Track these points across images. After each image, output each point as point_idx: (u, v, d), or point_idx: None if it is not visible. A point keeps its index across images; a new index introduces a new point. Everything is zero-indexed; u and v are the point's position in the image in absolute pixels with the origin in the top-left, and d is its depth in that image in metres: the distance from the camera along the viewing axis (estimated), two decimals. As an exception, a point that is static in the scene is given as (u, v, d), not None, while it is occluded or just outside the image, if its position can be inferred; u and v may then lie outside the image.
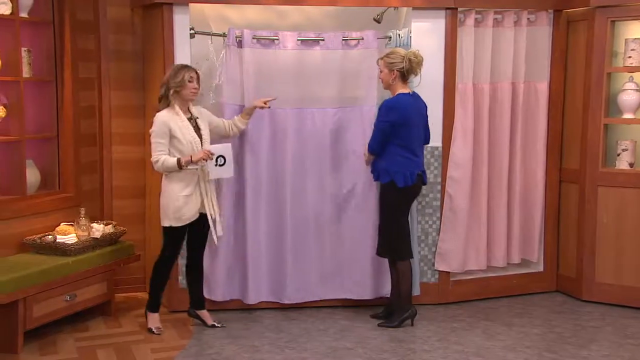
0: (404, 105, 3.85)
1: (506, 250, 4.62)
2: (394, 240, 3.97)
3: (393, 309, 4.07)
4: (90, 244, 4.01)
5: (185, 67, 3.78)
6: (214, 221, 3.85)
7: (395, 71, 3.85)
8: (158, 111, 3.77)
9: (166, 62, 4.06)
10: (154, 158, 3.72)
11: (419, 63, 3.88)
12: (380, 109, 3.91)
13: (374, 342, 3.81)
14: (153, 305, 3.92)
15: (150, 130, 3.75)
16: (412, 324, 4.04)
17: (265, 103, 4.00)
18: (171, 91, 3.73)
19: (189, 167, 3.70)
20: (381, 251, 4.06)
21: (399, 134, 3.84)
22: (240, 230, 4.19)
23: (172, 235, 3.82)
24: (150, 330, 3.89)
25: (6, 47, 3.99)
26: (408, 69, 3.85)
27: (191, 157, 3.69)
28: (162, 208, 3.80)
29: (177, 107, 3.75)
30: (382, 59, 3.93)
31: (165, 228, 3.81)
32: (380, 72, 3.93)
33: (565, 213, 4.70)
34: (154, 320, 3.92)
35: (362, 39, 4.24)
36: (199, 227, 3.86)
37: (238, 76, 4.13)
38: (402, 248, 3.99)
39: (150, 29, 4.36)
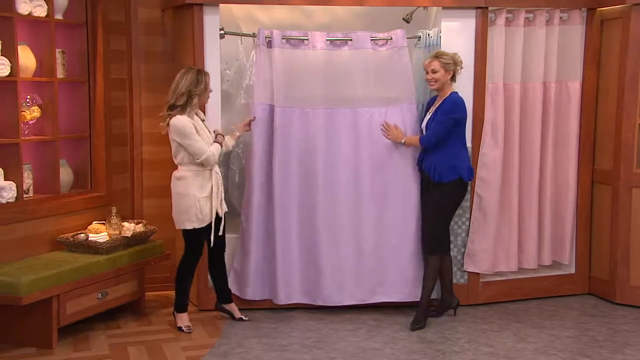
0: (464, 103, 4.00)
1: (537, 251, 4.55)
2: (443, 235, 4.07)
3: (445, 303, 4.20)
4: (121, 243, 4.06)
5: (201, 72, 3.81)
6: (220, 219, 3.90)
7: (451, 72, 3.98)
8: (169, 117, 3.74)
9: (196, 63, 4.10)
10: (204, 155, 3.71)
11: (461, 65, 4.03)
12: (444, 106, 3.97)
13: (402, 342, 3.80)
14: (180, 306, 3.96)
15: (176, 136, 3.71)
16: (423, 327, 4.01)
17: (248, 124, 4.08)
18: (195, 99, 3.74)
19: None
20: (434, 250, 4.05)
21: (460, 131, 3.99)
22: (270, 230, 4.20)
23: (195, 237, 3.85)
24: (180, 329, 3.93)
25: (42, 49, 4.07)
26: (456, 70, 4.01)
27: (223, 135, 3.93)
28: (182, 212, 3.80)
29: (191, 112, 3.78)
30: (435, 60, 3.96)
31: (187, 231, 3.84)
32: (435, 72, 3.96)
33: (598, 214, 4.62)
34: (182, 319, 3.95)
35: (391, 38, 4.22)
36: (217, 227, 3.89)
37: (268, 76, 4.14)
38: (448, 242, 4.12)
39: (180, 29, 4.40)
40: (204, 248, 3.94)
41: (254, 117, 4.09)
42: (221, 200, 3.88)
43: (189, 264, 3.93)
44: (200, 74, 3.78)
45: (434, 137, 3.96)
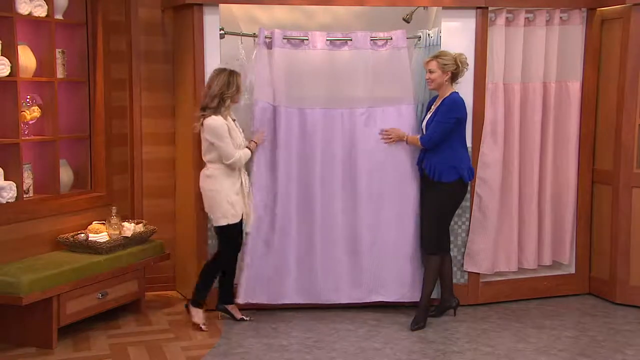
0: (464, 103, 4.00)
1: (537, 251, 4.55)
2: (443, 235, 4.09)
3: (445, 303, 4.21)
4: (121, 243, 4.06)
5: (233, 73, 3.86)
6: (247, 217, 3.99)
7: (449, 72, 3.95)
8: (204, 117, 3.81)
9: (196, 63, 4.10)
10: (232, 159, 3.80)
11: (466, 65, 4.02)
12: (443, 107, 3.97)
13: (402, 342, 3.80)
14: (198, 302, 3.97)
15: (209, 135, 3.78)
16: (423, 327, 4.02)
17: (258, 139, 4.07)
18: (227, 101, 3.81)
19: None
20: (434, 249, 4.06)
21: (460, 131, 4.00)
22: (269, 230, 4.19)
23: (230, 232, 3.90)
24: (195, 325, 3.93)
25: (42, 48, 4.07)
26: (458, 71, 3.98)
27: (256, 142, 4.01)
28: (215, 209, 3.86)
29: (225, 112, 3.84)
30: (433, 60, 3.97)
31: (221, 228, 3.89)
32: (431, 72, 3.97)
33: (598, 215, 4.62)
34: (200, 316, 3.96)
35: (391, 38, 4.22)
36: (240, 226, 3.97)
37: (268, 76, 4.14)
38: (448, 242, 4.14)
39: (180, 29, 4.40)
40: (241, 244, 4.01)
41: (264, 131, 4.11)
42: (245, 199, 3.96)
43: (227, 261, 3.97)
44: (232, 75, 3.84)
45: (434, 137, 3.96)
